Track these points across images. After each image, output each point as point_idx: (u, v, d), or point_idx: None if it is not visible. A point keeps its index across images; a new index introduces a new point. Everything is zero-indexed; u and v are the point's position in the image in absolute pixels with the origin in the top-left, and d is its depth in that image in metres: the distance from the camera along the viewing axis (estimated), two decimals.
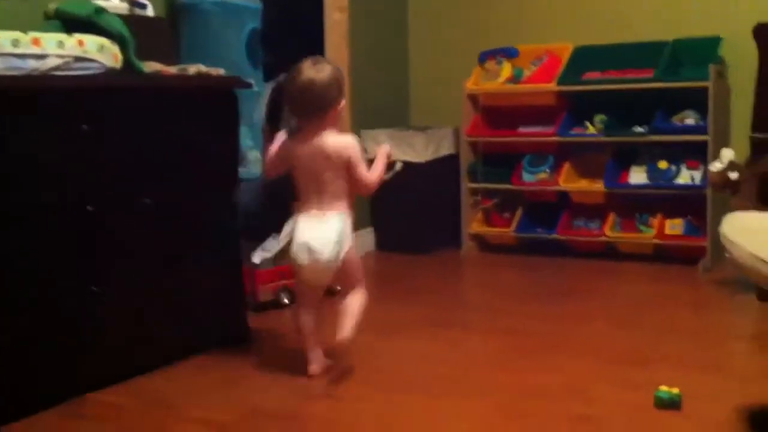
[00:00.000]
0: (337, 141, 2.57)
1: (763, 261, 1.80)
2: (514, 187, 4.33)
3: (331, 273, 2.54)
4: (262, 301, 3.35)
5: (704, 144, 3.81)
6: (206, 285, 2.84)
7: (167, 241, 2.72)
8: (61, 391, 2.42)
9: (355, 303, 2.62)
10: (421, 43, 4.84)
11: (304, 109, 2.56)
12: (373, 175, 2.63)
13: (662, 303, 3.42)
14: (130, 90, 2.63)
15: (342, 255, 2.51)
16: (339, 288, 2.83)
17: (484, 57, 4.44)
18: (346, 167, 2.56)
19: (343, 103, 2.63)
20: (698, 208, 3.87)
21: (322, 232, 2.50)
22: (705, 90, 3.81)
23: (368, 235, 4.56)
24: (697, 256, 3.87)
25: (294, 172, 2.62)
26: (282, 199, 4.75)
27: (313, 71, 2.52)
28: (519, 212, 4.36)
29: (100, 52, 2.51)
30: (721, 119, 3.94)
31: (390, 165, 2.80)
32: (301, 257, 2.51)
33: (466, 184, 4.42)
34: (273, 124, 4.29)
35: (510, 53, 4.37)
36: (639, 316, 3.22)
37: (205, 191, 2.84)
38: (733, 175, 3.20)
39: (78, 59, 2.46)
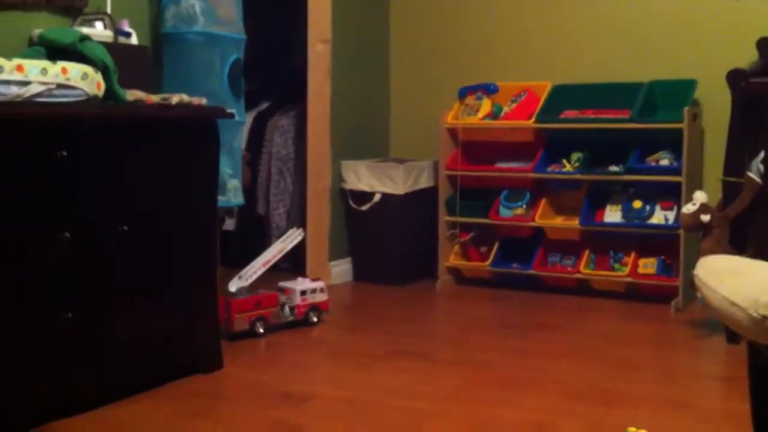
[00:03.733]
0: None
1: (735, 304, 1.82)
2: (491, 222, 4.37)
3: None
4: (237, 331, 3.35)
5: (678, 185, 3.88)
6: (180, 313, 2.85)
7: (143, 269, 2.73)
8: (29, 420, 2.41)
9: None
10: (403, 76, 4.90)
11: None
12: None
13: (632, 341, 3.45)
14: (111, 118, 2.64)
15: None
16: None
17: (464, 92, 4.50)
18: None
19: None
20: (672, 248, 3.93)
21: None
22: (680, 131, 3.88)
23: (346, 265, 4.58)
24: (670, 295, 3.91)
25: None
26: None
27: None
28: (495, 247, 4.39)
29: (83, 79, 2.53)
30: (695, 161, 4.01)
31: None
32: None
33: (443, 217, 4.45)
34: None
35: (490, 89, 4.43)
36: (608, 353, 3.25)
37: (183, 219, 2.86)
38: (705, 218, 3.25)
39: (60, 86, 2.48)
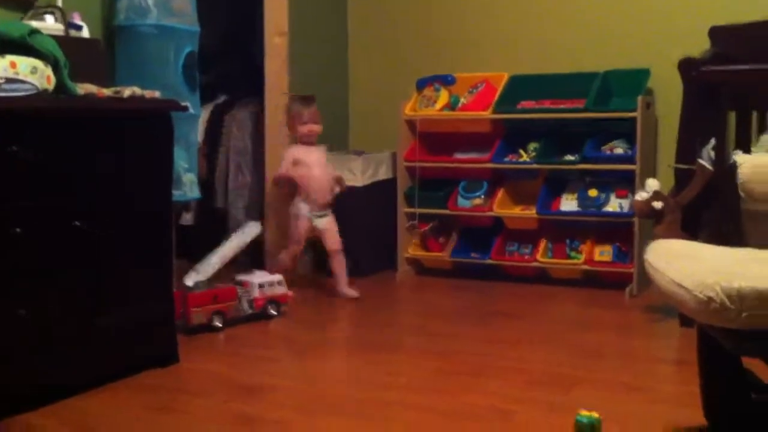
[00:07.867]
0: None
1: (682, 286, 1.85)
2: (449, 212, 4.39)
3: None
4: (195, 324, 3.33)
5: (632, 173, 3.93)
6: (136, 307, 2.83)
7: (97, 264, 2.70)
8: None
9: None
10: (361, 68, 4.90)
11: None
12: None
13: (589, 327, 3.50)
14: (62, 112, 2.61)
15: None
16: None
17: (422, 84, 4.52)
18: None
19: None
20: (626, 235, 3.99)
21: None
22: (633, 120, 3.93)
23: (306, 258, 4.56)
24: (625, 281, 3.97)
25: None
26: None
27: None
28: (454, 237, 4.42)
29: (32, 73, 2.50)
30: (649, 149, 4.07)
31: None
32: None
33: (402, 209, 4.47)
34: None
35: (447, 81, 4.46)
36: (565, 339, 3.29)
37: (137, 213, 2.83)
38: (658, 205, 3.30)
39: (9, 80, 2.45)
